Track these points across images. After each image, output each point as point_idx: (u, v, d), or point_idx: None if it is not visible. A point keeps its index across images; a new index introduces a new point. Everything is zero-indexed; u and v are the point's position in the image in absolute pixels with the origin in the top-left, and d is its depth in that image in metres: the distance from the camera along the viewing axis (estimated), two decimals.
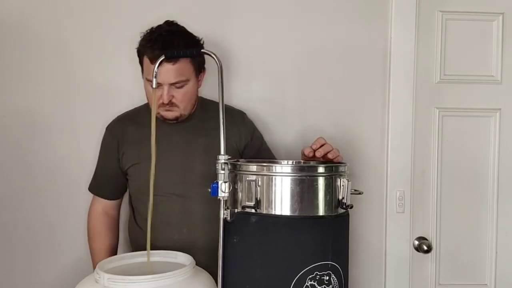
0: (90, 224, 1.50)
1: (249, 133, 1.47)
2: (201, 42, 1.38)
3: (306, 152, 1.22)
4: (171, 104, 1.33)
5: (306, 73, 1.64)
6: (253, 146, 1.46)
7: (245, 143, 1.45)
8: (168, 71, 1.28)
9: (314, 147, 1.20)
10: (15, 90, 1.56)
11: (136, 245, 1.44)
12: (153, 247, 1.23)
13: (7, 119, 1.56)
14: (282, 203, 1.05)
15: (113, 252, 1.50)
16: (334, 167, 1.11)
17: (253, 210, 1.06)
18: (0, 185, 1.56)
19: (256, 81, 1.63)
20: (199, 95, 1.45)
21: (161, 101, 1.31)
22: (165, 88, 1.30)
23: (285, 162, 1.35)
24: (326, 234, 1.07)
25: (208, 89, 1.48)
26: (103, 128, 1.56)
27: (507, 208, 1.70)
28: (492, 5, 1.68)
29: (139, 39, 1.35)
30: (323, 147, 1.20)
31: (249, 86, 1.63)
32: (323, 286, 1.04)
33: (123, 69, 1.58)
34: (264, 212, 1.06)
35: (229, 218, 1.07)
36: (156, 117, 1.37)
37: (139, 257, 1.25)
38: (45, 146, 1.57)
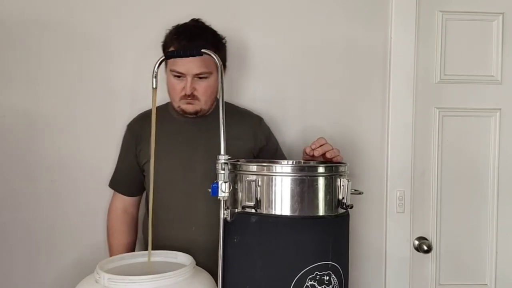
0: (109, 221, 1.51)
1: (265, 137, 1.49)
2: (224, 41, 1.41)
3: (307, 151, 1.23)
4: (192, 96, 1.34)
5: (306, 73, 1.64)
6: (268, 150, 1.48)
7: (260, 146, 1.47)
8: (193, 61, 1.30)
9: (313, 146, 1.22)
10: (15, 90, 1.56)
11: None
12: (161, 245, 1.25)
13: (7, 119, 1.56)
14: (282, 203, 1.05)
15: (131, 249, 1.50)
16: (334, 167, 1.11)
17: (253, 210, 1.06)
18: (0, 185, 1.56)
19: (256, 81, 1.63)
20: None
21: (183, 92, 1.34)
22: (189, 79, 1.32)
23: (285, 162, 1.35)
24: (326, 234, 1.07)
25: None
26: (103, 128, 1.57)
27: (507, 208, 1.70)
28: (492, 5, 1.68)
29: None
30: (322, 146, 1.21)
31: (249, 86, 1.62)
32: (323, 286, 1.04)
33: (123, 69, 1.58)
34: (264, 212, 1.06)
35: (229, 218, 1.07)
36: (173, 112, 1.41)
37: (139, 257, 1.25)
38: (45, 146, 1.57)
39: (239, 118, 1.47)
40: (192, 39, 1.31)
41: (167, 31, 1.38)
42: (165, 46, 1.37)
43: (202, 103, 1.37)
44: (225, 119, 1.30)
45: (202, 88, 1.35)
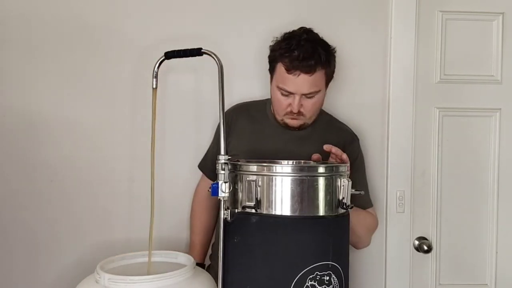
0: (194, 203, 1.56)
1: (353, 156, 1.43)
2: (334, 50, 1.38)
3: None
4: (298, 113, 1.34)
5: None
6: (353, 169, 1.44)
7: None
8: (304, 82, 1.29)
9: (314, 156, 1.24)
10: (15, 90, 1.56)
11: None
12: None
13: (7, 119, 1.56)
14: (282, 203, 1.05)
15: (210, 232, 1.53)
16: (334, 167, 1.11)
17: (253, 210, 1.06)
18: (1, 185, 1.56)
19: (256, 81, 1.62)
20: None
21: (289, 109, 1.34)
22: (297, 97, 1.31)
23: (285, 162, 1.35)
24: (326, 234, 1.07)
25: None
26: (103, 128, 1.57)
27: (507, 208, 1.70)
28: (492, 5, 1.68)
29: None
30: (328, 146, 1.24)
31: (249, 86, 1.62)
32: (323, 286, 1.04)
33: (124, 69, 1.58)
34: (265, 212, 1.06)
35: (229, 218, 1.07)
36: (271, 117, 1.42)
37: (139, 257, 1.25)
38: (45, 146, 1.57)
39: (332, 131, 1.47)
40: (306, 59, 1.27)
41: (273, 41, 1.37)
42: (273, 59, 1.35)
43: (306, 118, 1.37)
44: (320, 131, 1.38)
45: (310, 105, 1.34)
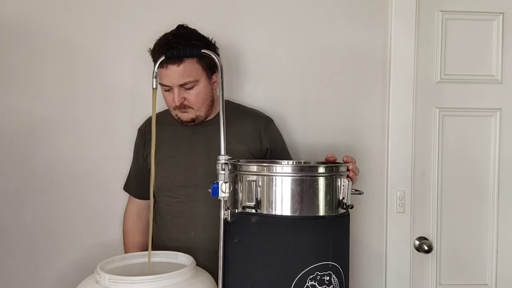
0: (125, 225, 1.54)
1: (270, 140, 1.46)
2: (213, 43, 1.38)
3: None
4: (184, 106, 1.34)
5: (307, 74, 1.64)
6: (274, 153, 1.46)
7: (267, 148, 1.45)
8: (173, 73, 1.29)
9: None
10: (15, 91, 1.56)
11: (154, 242, 1.47)
12: (162, 247, 1.28)
13: (7, 119, 1.56)
14: (282, 203, 1.05)
15: (145, 247, 1.50)
16: (334, 167, 1.11)
17: (253, 211, 1.06)
18: (1, 186, 1.56)
19: (258, 82, 1.62)
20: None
21: (174, 104, 1.33)
22: (175, 90, 1.31)
23: (285, 162, 1.35)
24: (326, 234, 1.07)
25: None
26: (103, 128, 1.57)
27: (507, 208, 1.70)
28: (492, 5, 1.68)
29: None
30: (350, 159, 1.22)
31: (251, 86, 1.62)
32: (323, 286, 1.04)
33: (123, 69, 1.58)
34: (265, 212, 1.06)
35: (229, 219, 1.07)
36: (176, 119, 1.40)
37: (140, 257, 1.25)
38: (45, 147, 1.57)
39: (245, 119, 1.45)
40: (167, 51, 1.25)
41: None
42: (152, 57, 1.35)
43: (195, 110, 1.36)
44: (232, 121, 1.32)
45: (192, 97, 1.33)
